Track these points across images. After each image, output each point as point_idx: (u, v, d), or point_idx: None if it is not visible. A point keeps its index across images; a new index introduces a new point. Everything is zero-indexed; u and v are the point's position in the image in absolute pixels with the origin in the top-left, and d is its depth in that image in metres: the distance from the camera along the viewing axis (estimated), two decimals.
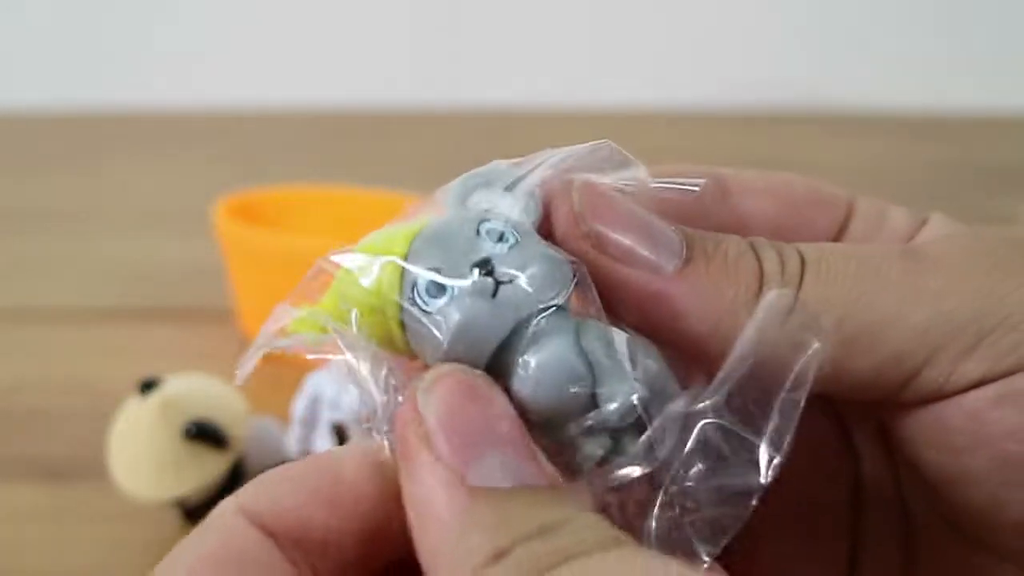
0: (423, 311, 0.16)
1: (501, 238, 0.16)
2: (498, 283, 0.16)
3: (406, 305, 0.17)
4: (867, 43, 1.04)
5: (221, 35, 1.04)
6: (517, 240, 0.16)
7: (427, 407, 0.15)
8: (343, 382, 0.31)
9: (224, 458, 0.30)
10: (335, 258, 0.18)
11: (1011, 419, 0.15)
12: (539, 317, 0.16)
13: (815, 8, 1.04)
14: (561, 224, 0.17)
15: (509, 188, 0.18)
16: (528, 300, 0.16)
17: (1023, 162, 0.85)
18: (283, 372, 0.41)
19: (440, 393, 0.15)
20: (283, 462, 0.33)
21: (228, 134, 0.94)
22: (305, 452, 0.32)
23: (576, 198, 0.17)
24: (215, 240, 0.47)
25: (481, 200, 0.18)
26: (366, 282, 0.17)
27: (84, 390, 0.42)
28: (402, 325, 0.17)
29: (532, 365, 0.16)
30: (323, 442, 0.31)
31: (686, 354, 0.18)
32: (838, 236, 0.21)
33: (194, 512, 0.31)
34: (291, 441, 0.32)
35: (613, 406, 0.15)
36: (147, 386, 0.31)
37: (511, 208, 0.17)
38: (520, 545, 0.14)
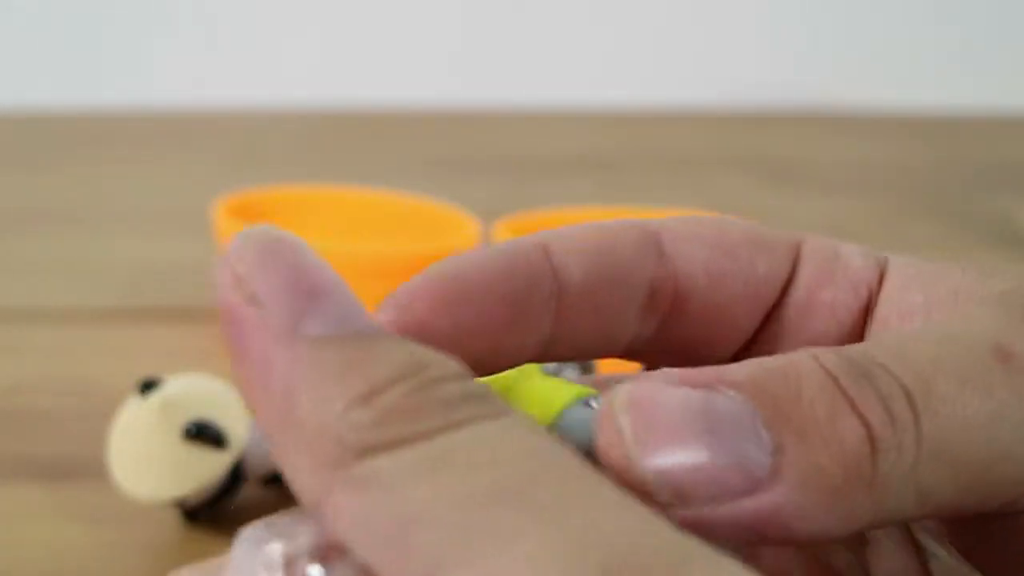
0: None
1: None
2: None
3: None
4: (868, 43, 1.04)
5: (221, 35, 1.03)
6: None
7: (241, 264, 0.14)
8: None
9: (224, 458, 0.30)
10: None
11: None
12: None
13: (815, 8, 1.04)
14: (616, 468, 0.14)
15: None
16: None
17: (1023, 162, 0.85)
18: None
19: (253, 248, 0.14)
20: None
21: (228, 134, 0.94)
22: None
23: (625, 426, 0.14)
24: (215, 240, 0.47)
25: None
26: None
27: (84, 390, 0.42)
28: None
29: None
30: None
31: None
32: (786, 284, 0.20)
33: (194, 512, 0.31)
34: None
35: None
36: (147, 386, 0.31)
37: None
38: (398, 383, 0.13)
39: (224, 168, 0.81)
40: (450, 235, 0.48)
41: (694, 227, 0.20)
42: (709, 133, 0.94)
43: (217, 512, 0.32)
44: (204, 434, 0.30)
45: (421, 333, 0.16)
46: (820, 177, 0.79)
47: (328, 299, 0.14)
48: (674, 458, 0.13)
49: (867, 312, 0.20)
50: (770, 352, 0.18)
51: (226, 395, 0.32)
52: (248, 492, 0.33)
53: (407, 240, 0.49)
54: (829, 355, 0.15)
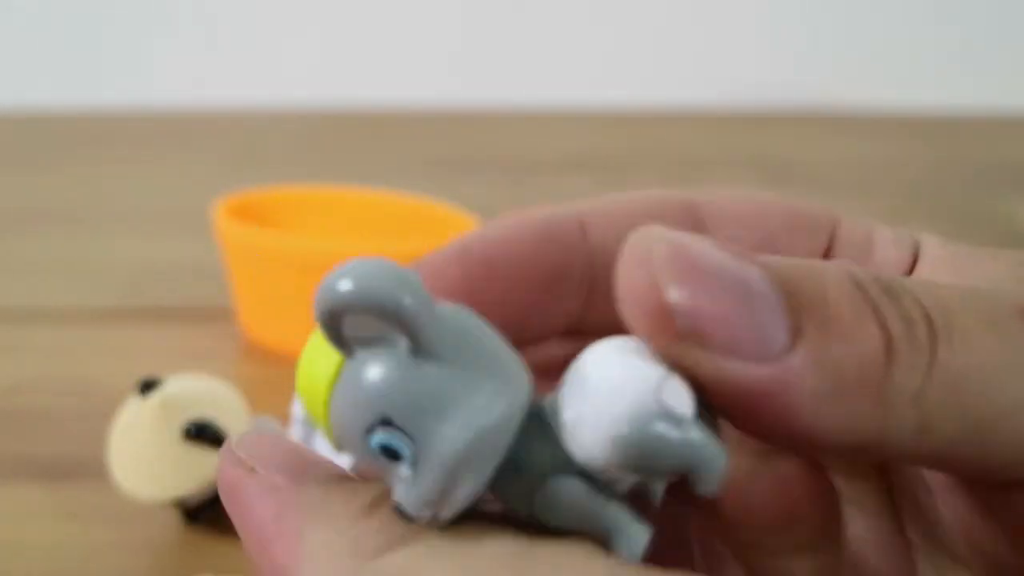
0: None
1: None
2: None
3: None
4: (868, 43, 1.04)
5: (221, 35, 1.03)
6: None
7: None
8: None
9: None
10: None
11: None
12: None
13: (815, 8, 1.04)
14: (636, 304, 0.14)
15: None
16: None
17: (1023, 162, 0.85)
18: (283, 372, 0.41)
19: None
20: None
21: (228, 134, 0.94)
22: None
23: (658, 261, 0.14)
24: (215, 240, 0.47)
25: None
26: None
27: (84, 390, 0.42)
28: None
29: None
30: (323, 442, 0.31)
31: (792, 448, 0.16)
32: None
33: (194, 512, 0.31)
34: None
35: None
36: (147, 386, 0.31)
37: None
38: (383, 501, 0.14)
39: (224, 168, 0.81)
40: (450, 235, 0.48)
41: (737, 206, 0.19)
42: (709, 133, 0.94)
43: (217, 512, 0.32)
44: (204, 434, 0.30)
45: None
46: (820, 177, 0.79)
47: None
48: (702, 299, 0.13)
49: None
50: None
51: (226, 395, 0.32)
52: None
53: (407, 240, 0.49)
54: (860, 269, 0.15)
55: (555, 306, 0.18)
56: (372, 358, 0.13)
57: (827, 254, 0.19)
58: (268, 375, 0.43)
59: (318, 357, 0.14)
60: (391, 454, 0.13)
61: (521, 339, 0.17)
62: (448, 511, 0.14)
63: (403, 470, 0.13)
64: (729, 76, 1.03)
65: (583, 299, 0.18)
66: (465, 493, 0.13)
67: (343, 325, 0.13)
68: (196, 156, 0.87)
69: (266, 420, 0.33)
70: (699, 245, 0.14)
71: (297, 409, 0.31)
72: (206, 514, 0.32)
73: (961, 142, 0.91)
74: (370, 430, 0.13)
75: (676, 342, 0.14)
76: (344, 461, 0.30)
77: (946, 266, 0.18)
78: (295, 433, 0.31)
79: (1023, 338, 0.14)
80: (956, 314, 0.14)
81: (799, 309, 0.14)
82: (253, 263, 0.45)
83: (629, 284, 0.14)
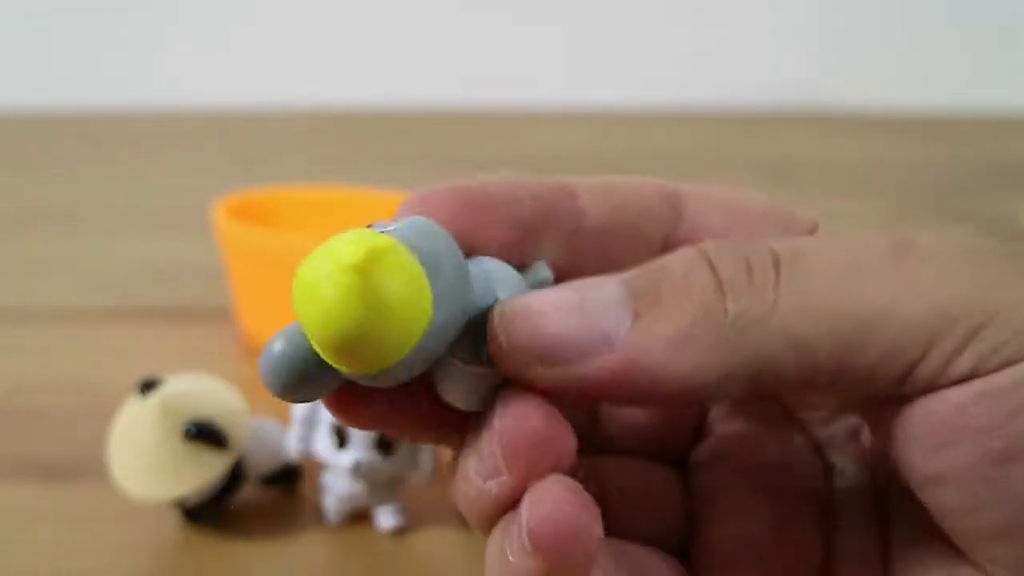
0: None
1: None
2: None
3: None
4: (868, 44, 1.04)
5: (221, 35, 1.04)
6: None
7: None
8: None
9: (224, 458, 0.30)
10: None
11: (993, 415, 0.15)
12: None
13: (816, 9, 1.04)
14: (503, 362, 0.16)
15: None
16: None
17: (1023, 162, 0.85)
18: None
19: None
20: (283, 463, 0.33)
21: (228, 134, 0.94)
22: (305, 452, 0.32)
23: (499, 330, 0.16)
24: (215, 240, 0.47)
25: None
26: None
27: (84, 390, 0.42)
28: None
29: None
30: (323, 442, 0.31)
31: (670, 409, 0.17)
32: None
33: (194, 512, 0.31)
34: (291, 441, 0.32)
35: None
36: (147, 386, 0.31)
37: None
38: None
39: (224, 168, 0.81)
40: None
41: (715, 193, 0.20)
42: (709, 133, 0.94)
43: (217, 512, 0.32)
44: (204, 434, 0.30)
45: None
46: (820, 177, 0.79)
47: None
48: (538, 329, 0.16)
49: None
50: None
51: (226, 395, 0.32)
52: (248, 492, 0.33)
53: None
54: (713, 244, 0.16)
55: (537, 250, 0.19)
56: None
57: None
58: None
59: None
60: None
61: None
62: None
63: None
64: (729, 76, 1.03)
65: (564, 254, 0.19)
66: None
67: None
68: (196, 156, 0.87)
69: (266, 420, 0.33)
70: (531, 298, 0.16)
71: (297, 409, 0.31)
72: (206, 514, 0.32)
73: (961, 142, 0.91)
74: None
75: (534, 369, 0.16)
76: (345, 459, 0.30)
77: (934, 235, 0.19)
78: (295, 433, 0.32)
79: (885, 254, 0.15)
80: (806, 249, 0.16)
81: (639, 295, 0.16)
82: (253, 263, 0.45)
83: (491, 347, 0.16)
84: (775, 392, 0.17)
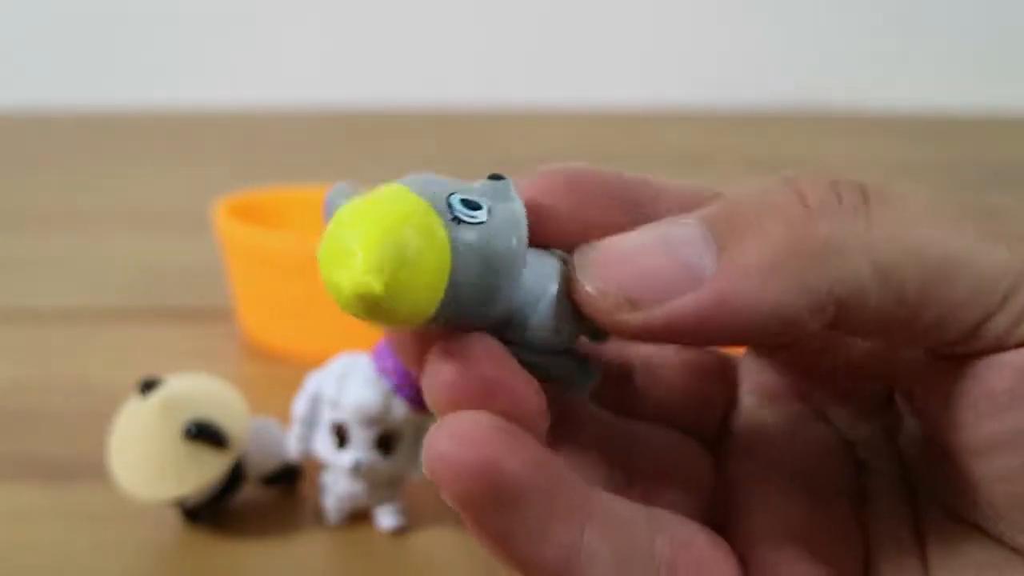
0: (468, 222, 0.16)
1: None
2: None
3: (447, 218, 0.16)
4: (868, 43, 1.04)
5: (221, 35, 1.04)
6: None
7: None
8: (343, 380, 0.31)
9: (224, 458, 0.30)
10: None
11: None
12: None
13: (815, 9, 1.04)
14: (589, 308, 0.16)
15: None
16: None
17: (1023, 162, 0.85)
18: (283, 372, 0.41)
19: None
20: (283, 462, 0.33)
21: (228, 134, 0.94)
22: (305, 452, 0.32)
23: (582, 276, 0.16)
24: (215, 240, 0.47)
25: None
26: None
27: (84, 390, 0.42)
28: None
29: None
30: (323, 442, 0.31)
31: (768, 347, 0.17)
32: None
33: (194, 512, 0.31)
34: (291, 441, 0.32)
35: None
36: (147, 386, 0.31)
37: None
38: None
39: (224, 168, 0.81)
40: None
41: (689, 188, 0.20)
42: (709, 133, 0.94)
43: (217, 512, 0.32)
44: (204, 434, 0.30)
45: (548, 209, 0.18)
46: None
47: None
48: (625, 271, 0.16)
49: None
50: None
51: (226, 395, 0.32)
52: (248, 492, 0.33)
53: None
54: (797, 172, 0.16)
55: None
56: None
57: None
58: (268, 375, 0.43)
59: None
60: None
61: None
62: None
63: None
64: (729, 76, 1.03)
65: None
66: None
67: None
68: (196, 156, 0.87)
69: (266, 420, 0.33)
70: (608, 243, 0.16)
71: (298, 409, 0.31)
72: (206, 514, 0.32)
73: (960, 142, 0.91)
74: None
75: (621, 314, 0.16)
76: (345, 459, 0.30)
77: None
78: (295, 433, 0.32)
79: (962, 207, 0.15)
80: (893, 187, 0.16)
81: (720, 229, 0.15)
82: (253, 263, 0.45)
83: (577, 296, 0.16)
84: (855, 330, 0.16)
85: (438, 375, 0.16)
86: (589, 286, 0.16)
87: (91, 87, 1.01)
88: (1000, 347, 0.16)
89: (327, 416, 0.31)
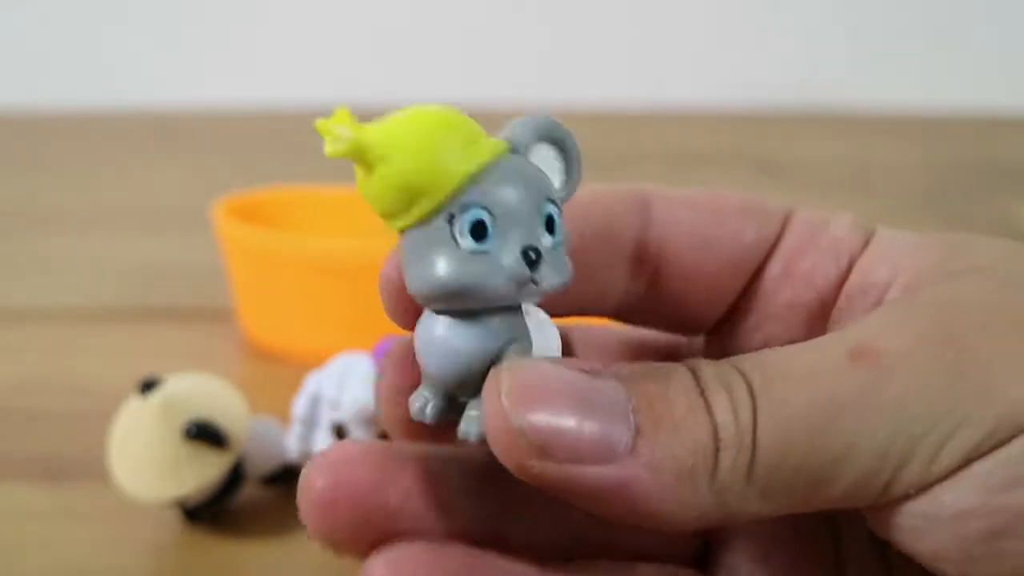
0: (437, 237, 0.16)
1: (551, 228, 0.16)
2: (529, 281, 0.16)
3: (442, 211, 0.16)
4: (867, 43, 1.04)
5: (221, 35, 1.04)
6: (560, 242, 0.16)
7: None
8: (343, 380, 0.31)
9: (224, 458, 0.30)
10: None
11: (969, 501, 0.15)
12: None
13: (815, 9, 1.04)
14: (491, 429, 0.16)
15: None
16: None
17: (1023, 162, 0.85)
18: (283, 372, 0.41)
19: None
20: (283, 462, 0.33)
21: (228, 134, 0.94)
22: (305, 452, 0.32)
23: (505, 385, 0.16)
24: (215, 240, 0.47)
25: (543, 160, 0.17)
26: (431, 150, 0.16)
27: (84, 390, 0.42)
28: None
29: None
30: (323, 442, 0.31)
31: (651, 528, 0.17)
32: (770, 249, 0.21)
33: (194, 512, 0.31)
34: (291, 441, 0.32)
35: None
36: (147, 386, 0.31)
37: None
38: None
39: (224, 168, 0.81)
40: None
41: (686, 193, 0.21)
42: (709, 133, 0.94)
43: (217, 512, 0.32)
44: (204, 434, 0.30)
45: None
46: (820, 177, 0.79)
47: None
48: (546, 418, 0.15)
49: (845, 279, 0.20)
50: (750, 317, 0.20)
51: (226, 395, 0.32)
52: (248, 492, 0.33)
53: None
54: (703, 365, 0.16)
55: None
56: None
57: (778, 236, 0.21)
58: (268, 375, 0.43)
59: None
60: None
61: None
62: None
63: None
64: (729, 76, 1.03)
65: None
66: None
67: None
68: (196, 156, 0.87)
69: (266, 420, 0.33)
70: (545, 369, 0.16)
71: (297, 409, 0.31)
72: (206, 514, 0.32)
73: (961, 142, 0.91)
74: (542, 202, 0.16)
75: (529, 459, 0.15)
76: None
77: (886, 258, 0.19)
78: (295, 433, 0.32)
79: (846, 380, 0.15)
80: (779, 378, 0.16)
81: (641, 411, 0.15)
82: (253, 263, 0.45)
83: (486, 410, 0.16)
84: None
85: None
86: (512, 419, 0.15)
87: (91, 87, 1.01)
88: (910, 497, 0.16)
89: (327, 416, 0.31)
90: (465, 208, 0.16)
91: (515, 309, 0.16)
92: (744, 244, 0.20)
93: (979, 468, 0.15)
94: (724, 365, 0.16)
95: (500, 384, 0.16)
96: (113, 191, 0.76)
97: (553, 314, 0.19)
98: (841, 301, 0.20)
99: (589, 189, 0.20)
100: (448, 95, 1.04)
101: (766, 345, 0.20)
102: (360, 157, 0.16)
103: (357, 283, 0.41)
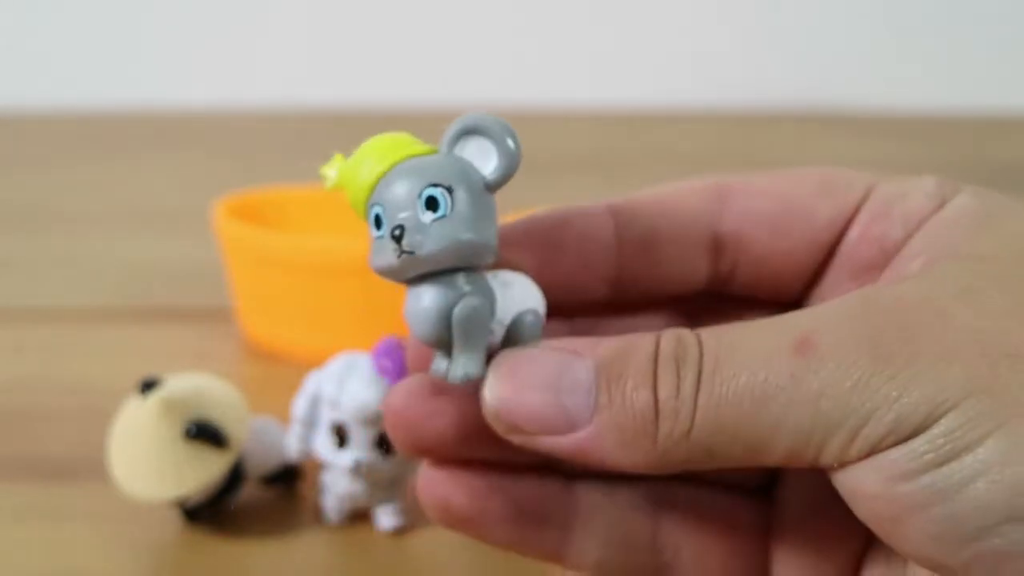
0: (371, 231, 0.20)
1: (434, 205, 0.19)
2: (401, 252, 0.19)
3: (368, 215, 0.20)
4: (867, 43, 1.04)
5: (221, 35, 1.04)
6: (445, 215, 0.19)
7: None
8: (343, 380, 0.31)
9: (224, 458, 0.30)
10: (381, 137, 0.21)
11: (874, 487, 0.18)
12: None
13: (815, 9, 1.04)
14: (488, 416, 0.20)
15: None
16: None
17: (1022, 162, 0.85)
18: (283, 372, 0.41)
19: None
20: (283, 462, 0.33)
21: (228, 134, 0.94)
22: (305, 452, 0.32)
23: (490, 383, 0.19)
24: (215, 240, 0.47)
25: (465, 150, 0.20)
26: (357, 173, 0.20)
27: (84, 390, 0.42)
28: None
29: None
30: (323, 442, 0.31)
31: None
32: (847, 222, 0.22)
33: (194, 512, 0.31)
34: (291, 441, 0.32)
35: None
36: (147, 386, 0.31)
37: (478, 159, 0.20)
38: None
39: (224, 168, 0.81)
40: None
41: (763, 181, 0.23)
42: (709, 133, 0.94)
43: (217, 512, 0.32)
44: (204, 434, 0.30)
45: (518, 266, 0.21)
46: None
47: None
48: (515, 401, 0.19)
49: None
50: (833, 280, 0.22)
51: (226, 395, 0.32)
52: (248, 492, 0.33)
53: None
54: (667, 337, 0.19)
55: (588, 270, 0.22)
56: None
57: (853, 213, 0.22)
58: (268, 375, 0.43)
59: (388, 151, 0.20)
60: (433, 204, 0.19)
61: (572, 297, 0.22)
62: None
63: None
64: (729, 76, 1.03)
65: (613, 266, 0.22)
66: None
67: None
68: (196, 156, 0.87)
69: (266, 420, 0.33)
70: (532, 356, 0.19)
71: (297, 409, 0.31)
72: (206, 514, 0.32)
73: (961, 142, 0.91)
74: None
75: (507, 434, 0.19)
76: (345, 459, 0.30)
77: (935, 228, 0.21)
78: (295, 433, 0.32)
79: (784, 369, 0.18)
80: (728, 356, 0.18)
81: (601, 388, 0.19)
82: (253, 263, 0.45)
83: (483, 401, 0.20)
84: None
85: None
86: (486, 407, 0.19)
87: (91, 87, 1.01)
88: (837, 466, 0.18)
89: (327, 416, 0.31)
90: (370, 207, 0.20)
91: (472, 269, 0.19)
92: (817, 224, 0.22)
93: (881, 459, 0.18)
94: (690, 337, 0.19)
95: (488, 374, 0.19)
96: (113, 191, 0.76)
97: (644, 297, 0.23)
98: (894, 260, 0.21)
99: (669, 186, 0.23)
100: (446, 95, 1.05)
101: None
102: (341, 189, 0.20)
103: (357, 283, 0.41)
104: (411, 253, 0.19)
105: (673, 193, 0.23)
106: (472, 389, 0.20)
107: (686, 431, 0.18)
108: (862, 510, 0.18)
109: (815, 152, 0.88)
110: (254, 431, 0.32)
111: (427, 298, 0.19)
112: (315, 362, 0.32)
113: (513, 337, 0.20)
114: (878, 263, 0.22)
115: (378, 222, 0.19)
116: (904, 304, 0.18)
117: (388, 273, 0.20)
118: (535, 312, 0.20)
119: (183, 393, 0.31)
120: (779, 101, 1.01)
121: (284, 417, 0.33)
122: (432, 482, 0.22)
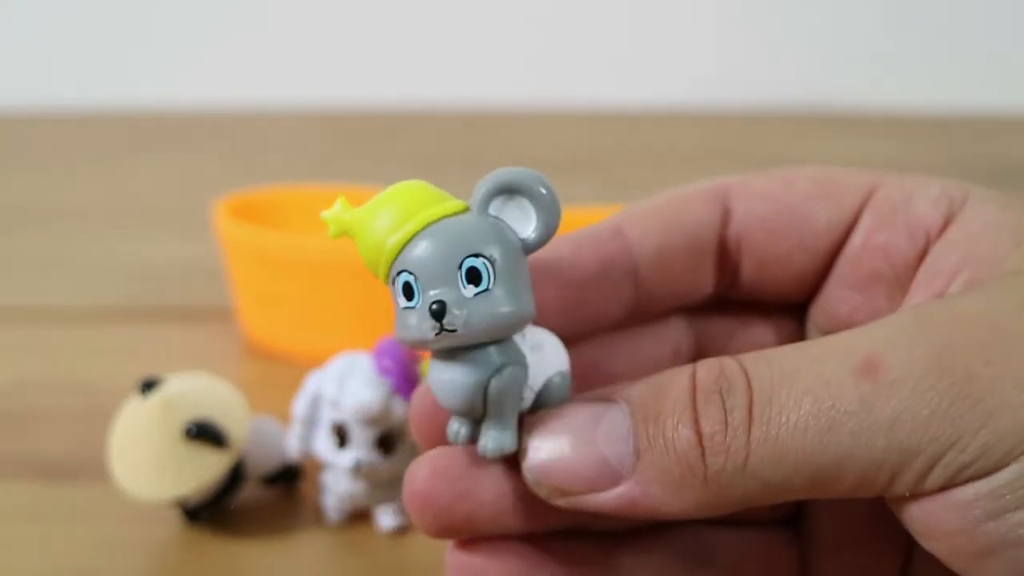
0: (395, 299, 0.18)
1: (476, 279, 0.18)
2: (442, 329, 0.17)
3: (390, 278, 0.18)
4: (868, 43, 1.04)
5: (220, 35, 1.04)
6: (488, 288, 0.18)
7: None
8: (343, 380, 0.31)
9: (224, 458, 0.30)
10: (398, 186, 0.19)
11: (954, 523, 0.17)
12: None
13: (816, 8, 1.04)
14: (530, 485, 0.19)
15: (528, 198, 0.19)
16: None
17: (1023, 162, 0.85)
18: (283, 372, 0.41)
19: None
20: (283, 462, 0.33)
21: (228, 134, 0.94)
22: (305, 452, 0.32)
23: (528, 440, 0.19)
24: (215, 240, 0.47)
25: (502, 209, 0.19)
26: (376, 228, 0.18)
27: (84, 390, 0.42)
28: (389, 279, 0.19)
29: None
30: (323, 442, 0.31)
31: None
32: (847, 228, 0.21)
33: (194, 512, 0.31)
34: (291, 441, 0.32)
35: None
36: (147, 386, 0.31)
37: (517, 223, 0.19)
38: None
39: (224, 168, 0.81)
40: None
41: (763, 183, 0.22)
42: (709, 133, 0.94)
43: (217, 512, 0.32)
44: (204, 434, 0.30)
45: (544, 311, 0.20)
46: None
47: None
48: (555, 465, 0.18)
49: (922, 257, 0.21)
50: (837, 288, 0.22)
51: (226, 395, 0.32)
52: (248, 492, 0.33)
53: None
54: (705, 369, 0.18)
55: (606, 300, 0.21)
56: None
57: (854, 218, 0.21)
58: (268, 375, 0.43)
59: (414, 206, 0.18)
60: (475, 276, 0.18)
61: (587, 327, 0.22)
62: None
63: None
64: (729, 76, 1.03)
65: (632, 289, 0.22)
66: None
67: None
68: (196, 156, 0.87)
69: (266, 420, 0.33)
70: (552, 420, 0.18)
71: (298, 409, 0.31)
72: (206, 514, 0.32)
73: (961, 142, 0.91)
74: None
75: (552, 499, 0.18)
76: (345, 459, 0.30)
77: (962, 241, 0.20)
78: (295, 432, 0.32)
79: (850, 394, 0.17)
80: (779, 390, 0.17)
81: (641, 431, 0.18)
82: (253, 263, 0.45)
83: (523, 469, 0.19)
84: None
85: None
86: (528, 473, 0.19)
87: (92, 87, 1.01)
88: (910, 498, 0.17)
89: (327, 416, 0.31)
90: (398, 274, 0.18)
91: (504, 339, 0.18)
92: (815, 228, 0.21)
93: (961, 494, 0.16)
94: (733, 365, 0.18)
95: (524, 440, 0.19)
96: (113, 191, 0.76)
97: (652, 316, 0.22)
98: (920, 276, 0.21)
99: (666, 197, 0.22)
100: (446, 95, 1.04)
101: (851, 316, 0.21)
102: (347, 237, 0.19)
103: (357, 283, 0.41)
104: (452, 331, 0.17)
105: (677, 202, 0.22)
106: (501, 459, 0.19)
107: (740, 465, 0.17)
108: (939, 546, 0.17)
109: (815, 152, 0.88)
110: (254, 431, 0.32)
111: (461, 373, 0.18)
112: (315, 362, 0.32)
113: (543, 401, 0.19)
114: (884, 274, 0.21)
115: (408, 291, 0.18)
116: (968, 323, 0.17)
117: (418, 345, 0.18)
118: (563, 373, 0.19)
119: (183, 393, 0.31)
120: (779, 101, 1.01)
121: (284, 417, 0.33)
122: (464, 569, 0.20)
